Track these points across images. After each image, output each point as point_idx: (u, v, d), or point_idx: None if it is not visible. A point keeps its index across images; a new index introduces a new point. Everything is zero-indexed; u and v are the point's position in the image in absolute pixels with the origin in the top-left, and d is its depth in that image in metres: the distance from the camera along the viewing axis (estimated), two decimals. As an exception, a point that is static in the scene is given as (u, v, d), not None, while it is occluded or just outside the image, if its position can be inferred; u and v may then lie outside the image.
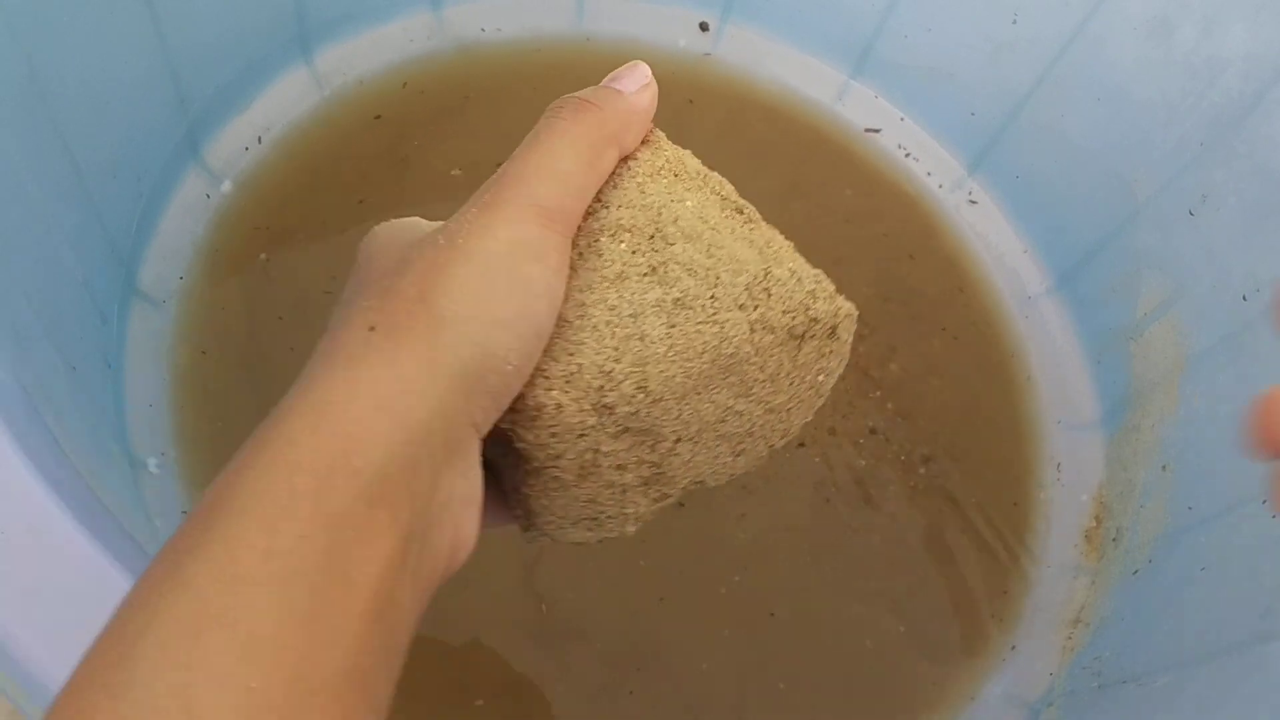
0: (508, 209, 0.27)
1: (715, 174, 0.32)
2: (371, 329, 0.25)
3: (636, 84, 0.31)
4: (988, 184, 0.70)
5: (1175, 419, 0.57)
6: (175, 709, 0.19)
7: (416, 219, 0.30)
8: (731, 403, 0.30)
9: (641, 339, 0.28)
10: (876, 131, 0.71)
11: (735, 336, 0.29)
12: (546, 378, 0.27)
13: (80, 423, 0.44)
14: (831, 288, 0.30)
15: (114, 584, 0.29)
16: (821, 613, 0.55)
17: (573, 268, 0.29)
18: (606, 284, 0.29)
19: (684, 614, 0.54)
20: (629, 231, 0.29)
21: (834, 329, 0.31)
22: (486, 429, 0.26)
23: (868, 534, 0.57)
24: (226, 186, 0.60)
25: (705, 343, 0.28)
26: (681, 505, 0.55)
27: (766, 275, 0.29)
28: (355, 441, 0.23)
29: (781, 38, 0.71)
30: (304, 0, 0.61)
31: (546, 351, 0.28)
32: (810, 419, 0.33)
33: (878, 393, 0.61)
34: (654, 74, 0.32)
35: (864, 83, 0.71)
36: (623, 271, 0.29)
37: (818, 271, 0.31)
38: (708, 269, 0.29)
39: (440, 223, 0.28)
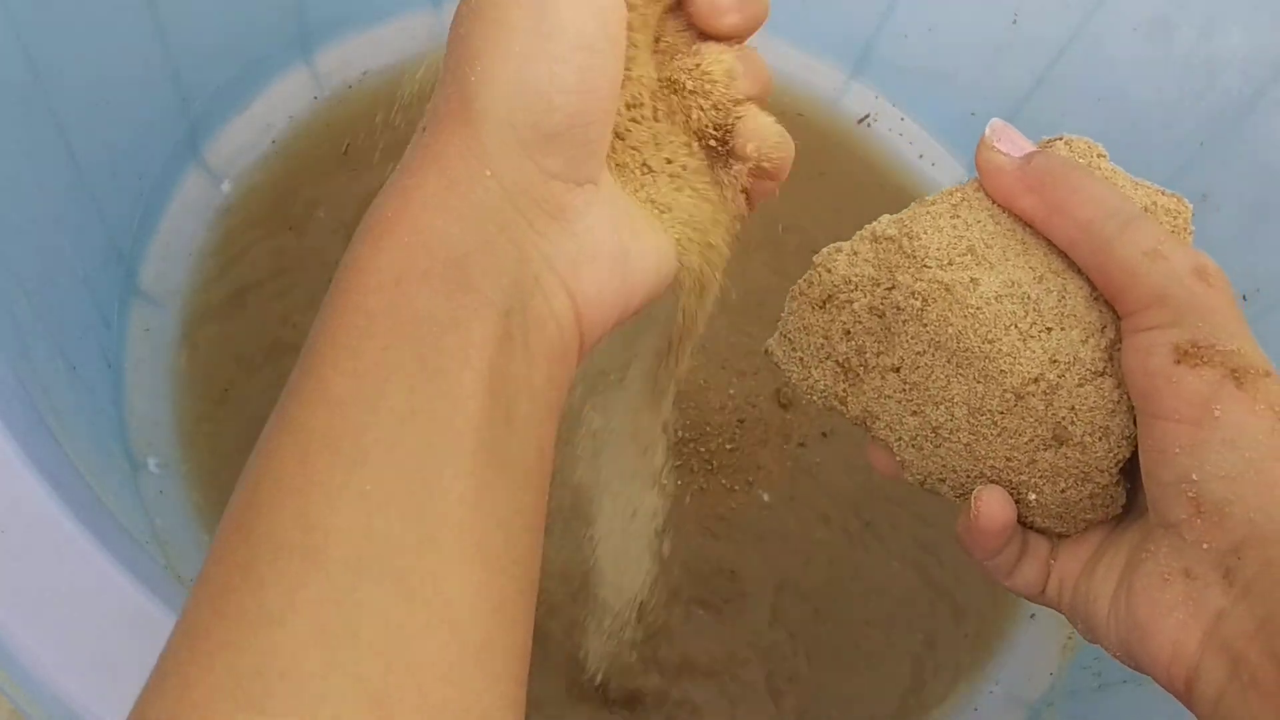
0: None
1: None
2: (423, 129, 0.25)
3: None
4: (988, 184, 0.70)
5: (1175, 419, 0.57)
6: (298, 534, 0.20)
7: None
8: None
9: None
10: (866, 118, 0.71)
11: None
12: None
13: (80, 423, 0.44)
14: None
15: (114, 584, 0.29)
16: (822, 614, 0.55)
17: None
18: None
19: (699, 616, 0.54)
20: None
21: None
22: (585, 172, 0.26)
23: (867, 534, 0.57)
24: (226, 186, 0.60)
25: None
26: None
27: None
28: (417, 246, 0.23)
29: (782, 37, 0.71)
30: (304, 0, 0.61)
31: None
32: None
33: (878, 392, 0.61)
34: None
35: (864, 82, 0.71)
36: None
37: None
38: None
39: None
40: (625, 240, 0.27)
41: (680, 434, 0.57)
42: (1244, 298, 0.54)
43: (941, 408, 0.30)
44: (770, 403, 0.59)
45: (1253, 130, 0.55)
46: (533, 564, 0.23)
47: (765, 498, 0.57)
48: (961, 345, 0.29)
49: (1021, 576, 0.31)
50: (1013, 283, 0.29)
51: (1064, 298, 0.29)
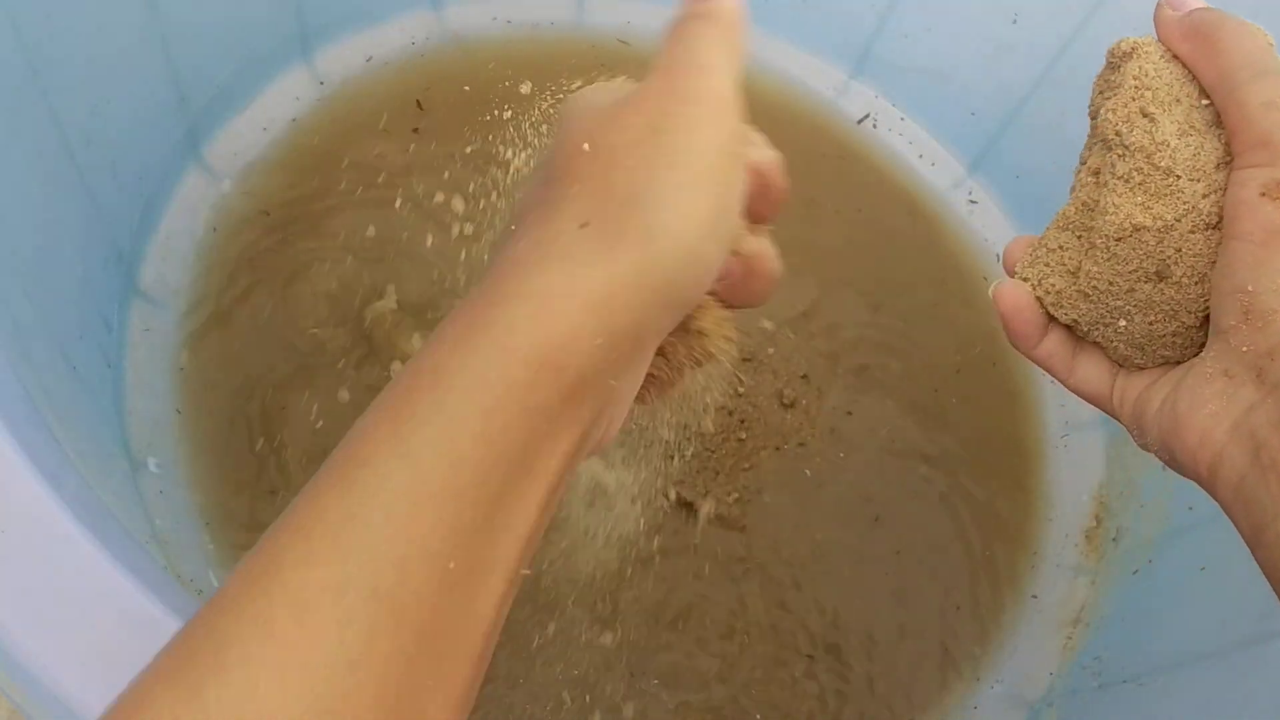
0: (706, 103, 0.27)
1: None
2: (584, 225, 0.25)
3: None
4: (988, 184, 0.70)
5: (1175, 419, 0.57)
6: (395, 579, 0.22)
7: (606, 86, 0.29)
8: None
9: None
10: (866, 119, 0.71)
11: None
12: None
13: (80, 423, 0.44)
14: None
15: (114, 584, 0.29)
16: (823, 610, 0.55)
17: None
18: None
19: (709, 613, 0.54)
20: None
21: None
22: (662, 339, 0.28)
23: (869, 534, 0.58)
24: (226, 185, 0.60)
25: None
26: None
27: None
28: (566, 339, 0.24)
29: (782, 37, 0.71)
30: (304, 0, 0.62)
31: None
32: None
33: (877, 392, 0.61)
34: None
35: (864, 82, 0.71)
36: None
37: None
38: None
39: (633, 88, 0.28)
40: None
41: (681, 434, 0.57)
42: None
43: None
44: (771, 402, 0.59)
45: (1253, 130, 0.55)
46: (437, 609, 0.23)
47: (766, 498, 0.57)
48: None
49: (1081, 379, 0.35)
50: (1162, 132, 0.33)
51: (1199, 153, 0.32)
